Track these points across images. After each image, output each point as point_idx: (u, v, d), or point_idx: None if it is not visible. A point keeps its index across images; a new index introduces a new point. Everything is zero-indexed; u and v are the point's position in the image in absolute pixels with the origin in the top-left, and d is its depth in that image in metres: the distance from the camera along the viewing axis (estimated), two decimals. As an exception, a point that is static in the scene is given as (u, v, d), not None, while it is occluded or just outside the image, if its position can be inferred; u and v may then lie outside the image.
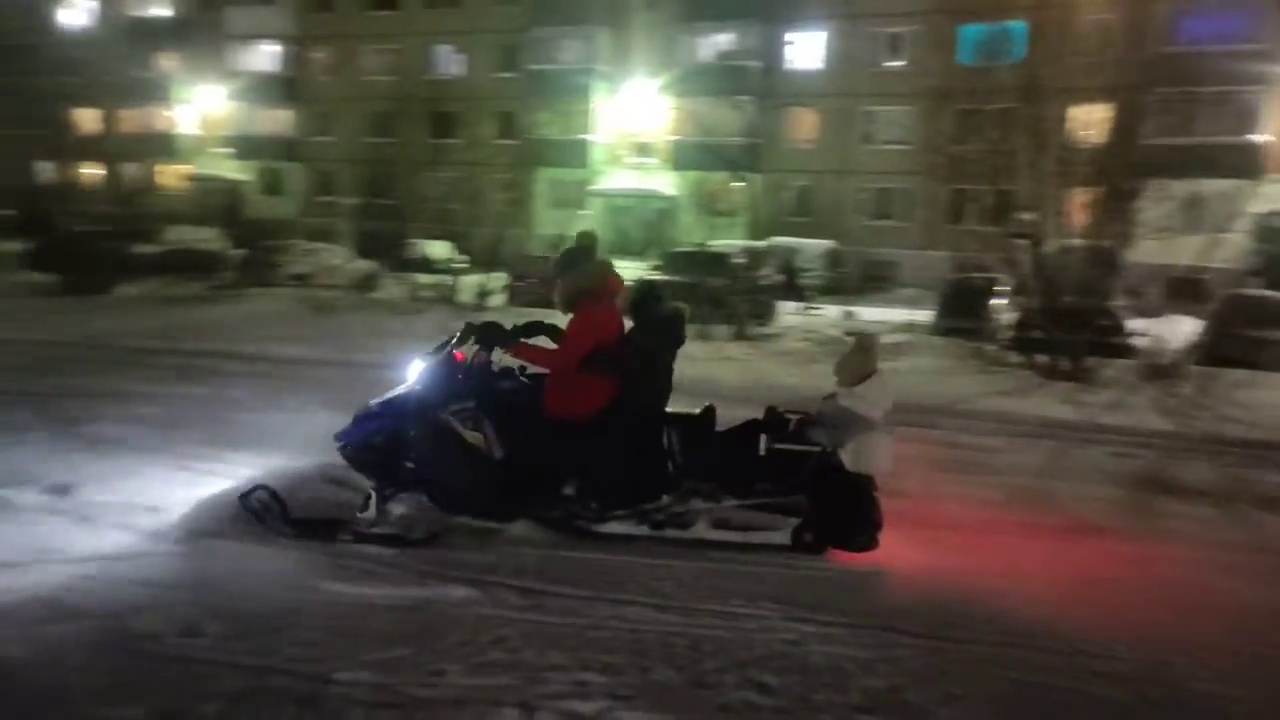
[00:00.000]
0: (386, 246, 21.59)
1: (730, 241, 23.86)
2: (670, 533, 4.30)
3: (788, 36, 29.80)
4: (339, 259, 21.61)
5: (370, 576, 3.76)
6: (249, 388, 7.93)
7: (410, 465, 4.25)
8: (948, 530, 4.73)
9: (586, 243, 4.60)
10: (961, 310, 14.21)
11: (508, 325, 4.46)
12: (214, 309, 14.33)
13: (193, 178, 36.61)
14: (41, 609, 3.26)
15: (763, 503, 4.31)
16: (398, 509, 4.19)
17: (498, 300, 15.93)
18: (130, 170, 35.15)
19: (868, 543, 4.23)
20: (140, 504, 4.49)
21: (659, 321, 4.49)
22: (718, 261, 17.50)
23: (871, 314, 17.44)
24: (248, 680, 2.87)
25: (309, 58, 36.21)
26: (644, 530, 4.31)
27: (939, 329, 14.31)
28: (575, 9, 31.33)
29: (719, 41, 30.62)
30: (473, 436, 4.26)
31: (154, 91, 37.64)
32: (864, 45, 28.57)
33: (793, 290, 19.69)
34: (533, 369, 4.49)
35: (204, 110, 38.02)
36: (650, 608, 3.58)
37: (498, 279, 16.58)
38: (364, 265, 21.21)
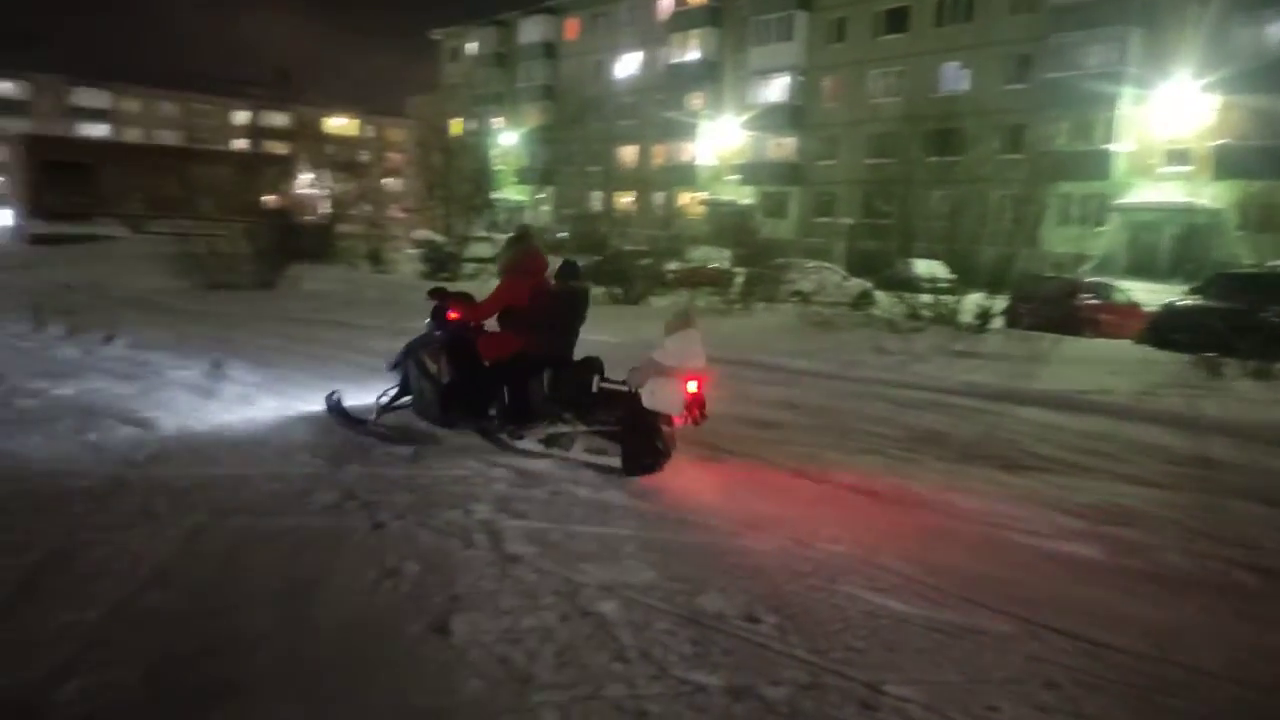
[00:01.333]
0: (879, 265, 21.73)
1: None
2: (556, 452, 5.48)
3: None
4: (836, 277, 22.29)
5: (907, 592, 3.76)
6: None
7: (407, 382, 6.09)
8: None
9: (522, 232, 6.41)
10: None
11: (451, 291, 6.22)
12: (727, 321, 15.70)
13: (707, 203, 40.68)
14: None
15: (597, 430, 5.43)
16: (389, 419, 6.01)
17: (997, 324, 15.06)
18: (658, 198, 40.30)
19: (651, 467, 5.20)
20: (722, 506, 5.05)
21: (563, 293, 5.86)
22: (1282, 287, 14.46)
23: None
24: (808, 674, 3.05)
25: (816, 86, 38.03)
26: (541, 449, 5.51)
27: None
28: (1104, 10, 28.45)
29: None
30: (432, 366, 5.89)
31: (681, 128, 42.66)
32: None
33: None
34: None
35: (719, 142, 42.07)
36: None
37: (998, 300, 15.67)
38: (858, 283, 21.58)
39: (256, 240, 19.04)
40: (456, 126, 46.04)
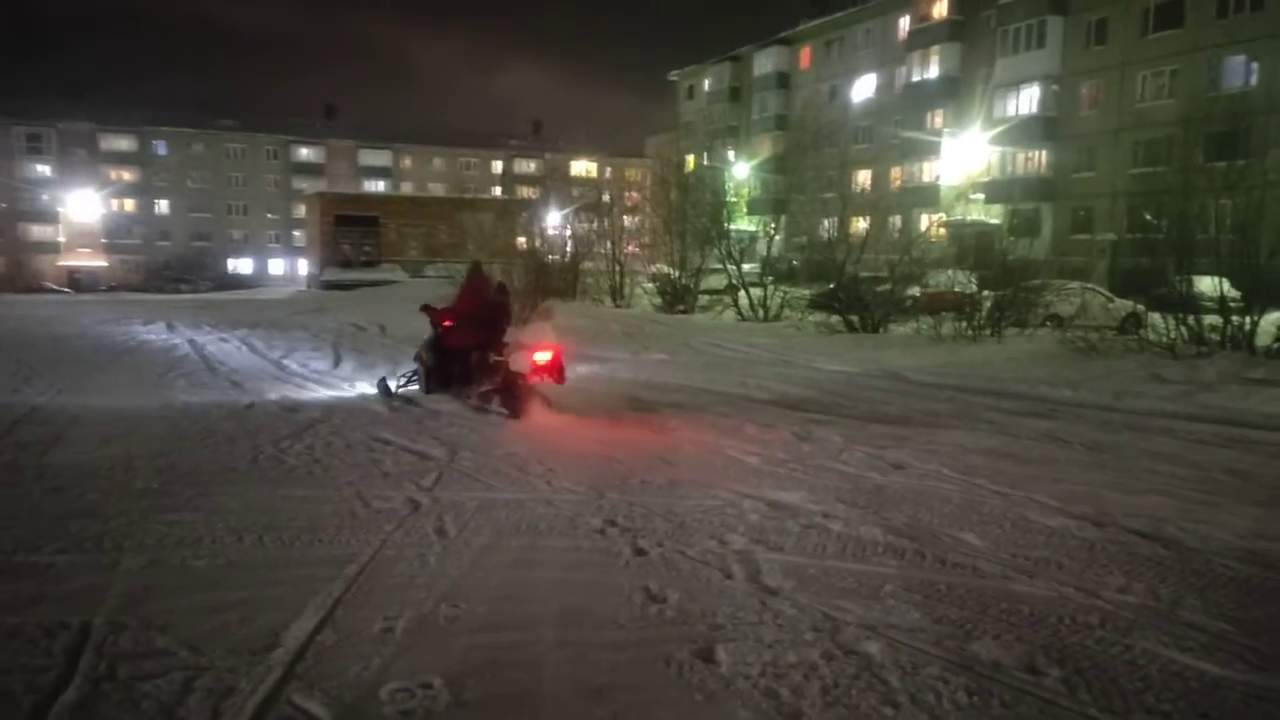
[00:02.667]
0: (1149, 283, 19.66)
1: None
2: (492, 408, 8.16)
3: None
4: (1099, 298, 20.46)
5: (1221, 652, 3.38)
6: (1034, 431, 7.95)
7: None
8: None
9: (473, 266, 9.59)
10: None
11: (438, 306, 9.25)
12: (975, 349, 14.89)
13: (949, 224, 38.86)
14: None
15: (488, 390, 8.28)
16: (403, 390, 9.10)
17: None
18: (896, 221, 39.03)
19: (516, 412, 7.95)
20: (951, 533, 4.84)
21: (489, 303, 8.86)
22: None
23: None
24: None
25: (1072, 94, 35.37)
26: (481, 404, 8.31)
27: None
28: None
29: None
30: (424, 356, 8.98)
31: (921, 148, 41.19)
32: None
33: None
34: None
35: (962, 160, 40.13)
36: None
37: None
38: (1125, 305, 19.66)
39: (513, 279, 20.52)
40: (692, 162, 47.26)
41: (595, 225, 36.72)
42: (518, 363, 8.28)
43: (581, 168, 75.39)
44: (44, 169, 67.54)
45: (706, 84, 57.18)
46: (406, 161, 76.90)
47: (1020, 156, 37.34)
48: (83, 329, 18.01)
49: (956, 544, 4.58)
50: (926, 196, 41.09)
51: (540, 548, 4.45)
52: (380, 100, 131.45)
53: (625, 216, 43.67)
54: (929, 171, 42.03)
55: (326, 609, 3.57)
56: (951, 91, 40.64)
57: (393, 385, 9.22)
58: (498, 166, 78.89)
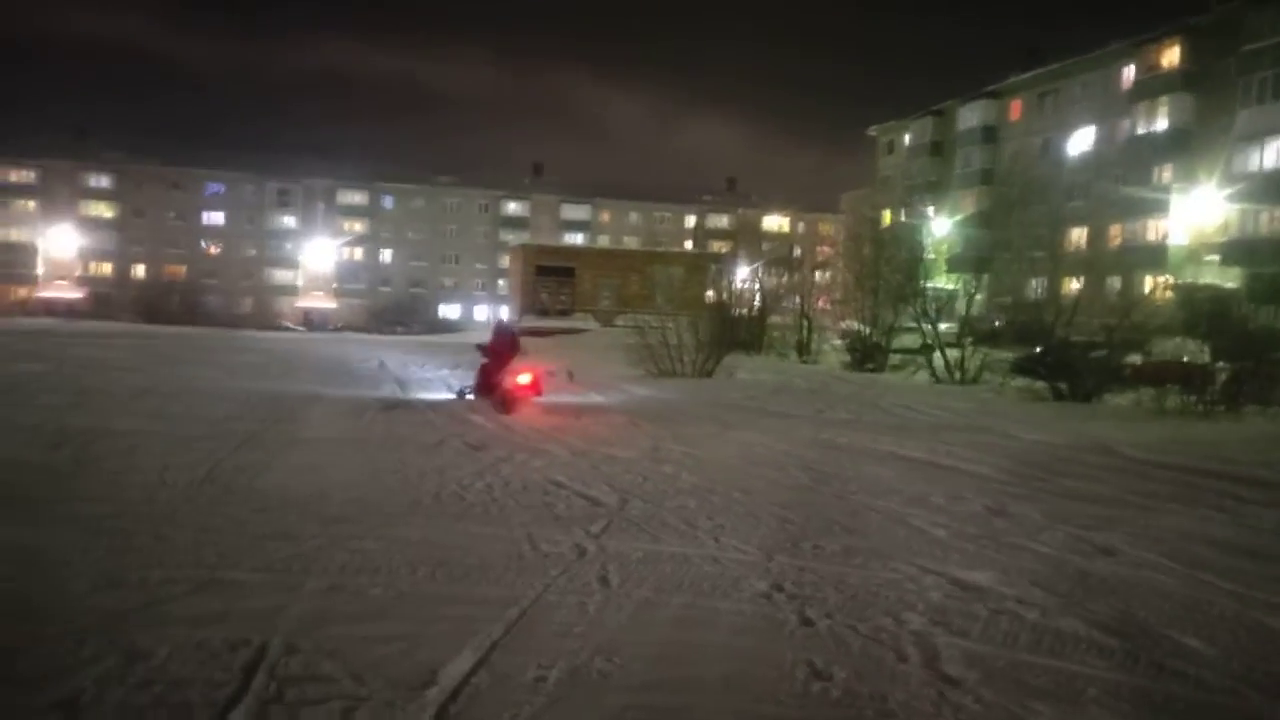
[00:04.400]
0: None
1: None
2: (493, 401, 12.35)
3: None
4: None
5: None
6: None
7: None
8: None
9: (499, 323, 15.96)
10: None
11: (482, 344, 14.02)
12: (1205, 426, 13.34)
13: (1177, 287, 35.51)
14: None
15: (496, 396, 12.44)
16: (467, 397, 13.29)
17: None
18: (1113, 283, 36.13)
19: (505, 410, 11.73)
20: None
21: (502, 343, 13.58)
22: None
23: None
24: None
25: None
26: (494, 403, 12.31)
27: None
28: None
29: None
30: (476, 376, 13.58)
31: (1144, 205, 38.09)
32: None
33: None
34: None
35: (1193, 218, 36.73)
36: None
37: None
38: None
39: (699, 332, 20.64)
40: (888, 217, 46.11)
41: (785, 279, 36.50)
42: (510, 381, 12.44)
43: (774, 222, 75.41)
44: (289, 220, 75.72)
45: (907, 138, 55.92)
46: (604, 215, 79.95)
47: (1265, 215, 33.68)
48: (322, 378, 19.75)
49: (1177, 648, 3.99)
50: (1151, 257, 37.84)
51: (702, 607, 4.29)
52: (581, 156, 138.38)
53: (816, 271, 43.17)
54: (1154, 230, 38.75)
55: (484, 650, 3.57)
56: (1181, 145, 37.46)
57: (465, 393, 13.69)
58: (690, 220, 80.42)
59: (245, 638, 3.53)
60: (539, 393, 12.61)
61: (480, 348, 13.82)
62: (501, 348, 13.36)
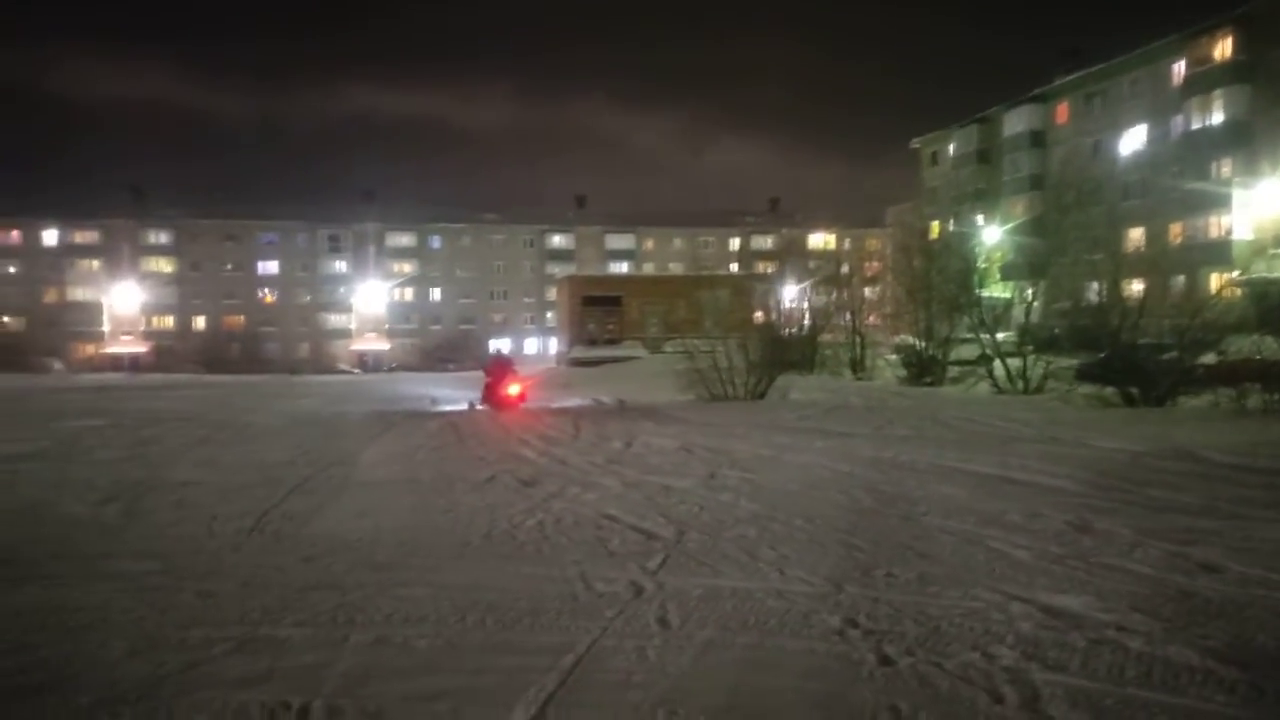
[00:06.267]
0: None
1: None
2: (492, 406, 19.09)
3: None
4: None
5: None
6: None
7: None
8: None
9: (497, 352, 22.43)
10: None
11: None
12: (1290, 426, 12.59)
13: (1245, 283, 34.16)
14: None
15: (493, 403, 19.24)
16: (475, 405, 19.50)
17: None
18: (1177, 281, 34.85)
19: (497, 410, 18.48)
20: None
21: (496, 365, 20.11)
22: None
23: None
24: None
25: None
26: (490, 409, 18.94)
27: None
28: None
29: None
30: (482, 389, 19.97)
31: (1206, 200, 36.83)
32: None
33: None
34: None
35: (1258, 211, 35.38)
36: None
37: None
38: None
39: (749, 354, 20.30)
40: (936, 229, 45.28)
41: (834, 297, 35.95)
42: (502, 392, 18.11)
43: (819, 240, 74.73)
44: (340, 265, 77.24)
45: (951, 148, 55.13)
46: (649, 243, 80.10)
47: (1335, 203, 32.33)
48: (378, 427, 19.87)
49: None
50: (1216, 253, 36.54)
51: (770, 647, 3.98)
52: (622, 185, 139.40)
53: (865, 287, 42.46)
54: (1217, 226, 37.44)
55: (538, 705, 3.31)
56: (1240, 137, 36.25)
57: (475, 404, 19.29)
58: (735, 243, 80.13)
59: (285, 700, 3.32)
60: (525, 400, 19.26)
61: (485, 370, 20.35)
62: (498, 371, 19.40)
